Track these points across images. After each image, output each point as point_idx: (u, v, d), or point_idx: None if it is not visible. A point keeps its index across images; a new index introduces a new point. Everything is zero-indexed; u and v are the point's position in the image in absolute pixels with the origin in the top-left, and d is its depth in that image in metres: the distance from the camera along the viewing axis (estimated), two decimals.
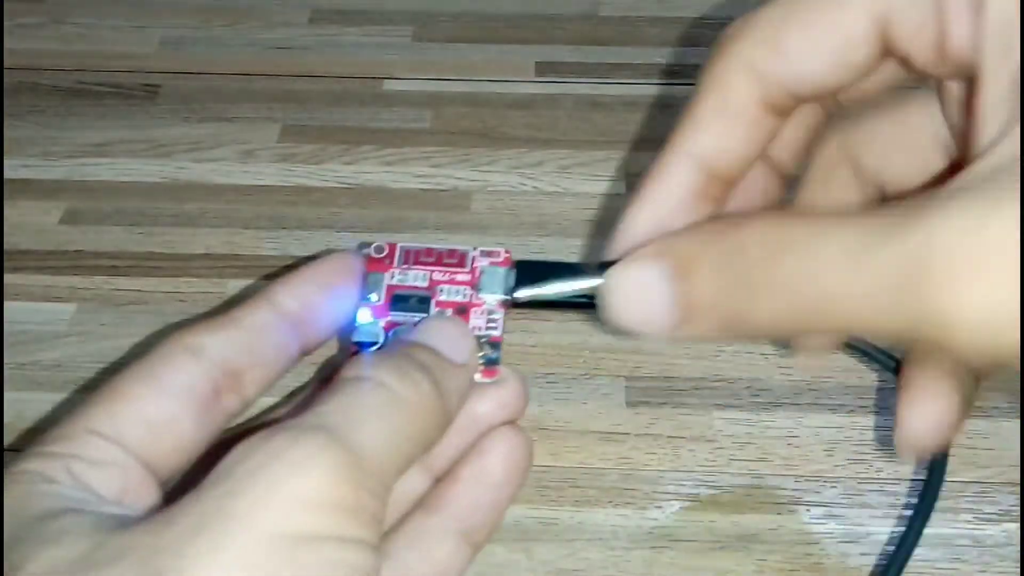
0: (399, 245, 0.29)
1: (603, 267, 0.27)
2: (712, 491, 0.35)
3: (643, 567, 0.34)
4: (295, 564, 0.17)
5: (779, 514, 0.35)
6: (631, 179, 0.47)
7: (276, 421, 0.20)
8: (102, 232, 0.44)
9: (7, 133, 0.49)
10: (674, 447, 0.37)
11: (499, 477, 0.25)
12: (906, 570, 0.33)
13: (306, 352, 0.24)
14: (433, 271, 0.29)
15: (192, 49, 0.54)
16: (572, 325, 0.41)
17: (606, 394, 0.38)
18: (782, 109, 0.23)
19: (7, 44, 0.54)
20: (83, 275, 0.43)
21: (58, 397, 0.38)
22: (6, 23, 0.55)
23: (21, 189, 0.46)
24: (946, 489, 0.35)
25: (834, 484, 0.35)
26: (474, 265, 0.29)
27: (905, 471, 0.36)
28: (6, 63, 0.53)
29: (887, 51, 0.21)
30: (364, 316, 0.25)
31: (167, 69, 0.53)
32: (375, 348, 0.25)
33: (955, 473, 0.36)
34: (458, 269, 0.29)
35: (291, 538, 0.17)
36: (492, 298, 0.29)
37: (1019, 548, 0.34)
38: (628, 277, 0.22)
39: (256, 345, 0.22)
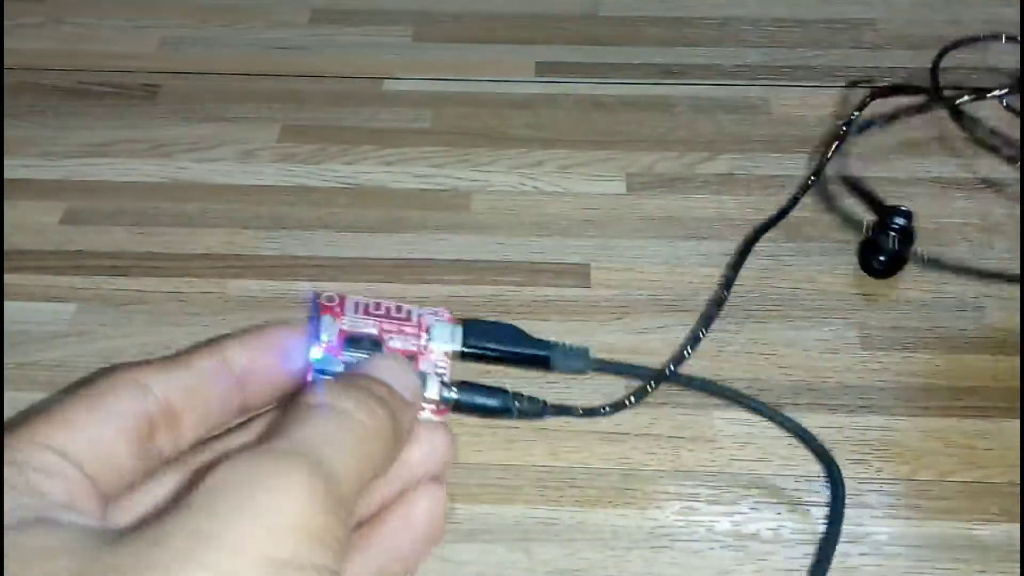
0: (348, 297, 0.30)
1: (544, 345, 0.31)
2: (712, 491, 0.35)
3: (643, 567, 0.34)
4: None
5: (779, 514, 0.35)
6: (631, 179, 0.47)
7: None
8: (102, 232, 0.44)
9: (7, 133, 0.49)
10: (674, 447, 0.37)
11: (422, 530, 0.25)
12: (907, 570, 0.33)
13: (245, 411, 0.24)
14: (382, 322, 0.30)
15: (192, 49, 0.54)
16: (572, 325, 0.41)
17: (606, 394, 0.38)
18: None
19: (7, 44, 0.54)
20: (83, 275, 0.42)
21: None
22: (6, 23, 0.55)
23: (21, 189, 0.46)
24: (946, 489, 0.35)
25: None
26: (421, 321, 0.30)
27: (905, 471, 0.36)
28: (6, 63, 0.53)
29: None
30: (316, 353, 0.26)
31: (167, 69, 0.53)
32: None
33: (955, 473, 0.36)
34: (406, 322, 0.30)
35: (275, 564, 0.18)
36: (441, 347, 0.30)
37: (1019, 548, 0.34)
38: None
39: (199, 390, 0.23)
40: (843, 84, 0.52)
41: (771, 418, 0.36)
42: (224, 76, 0.53)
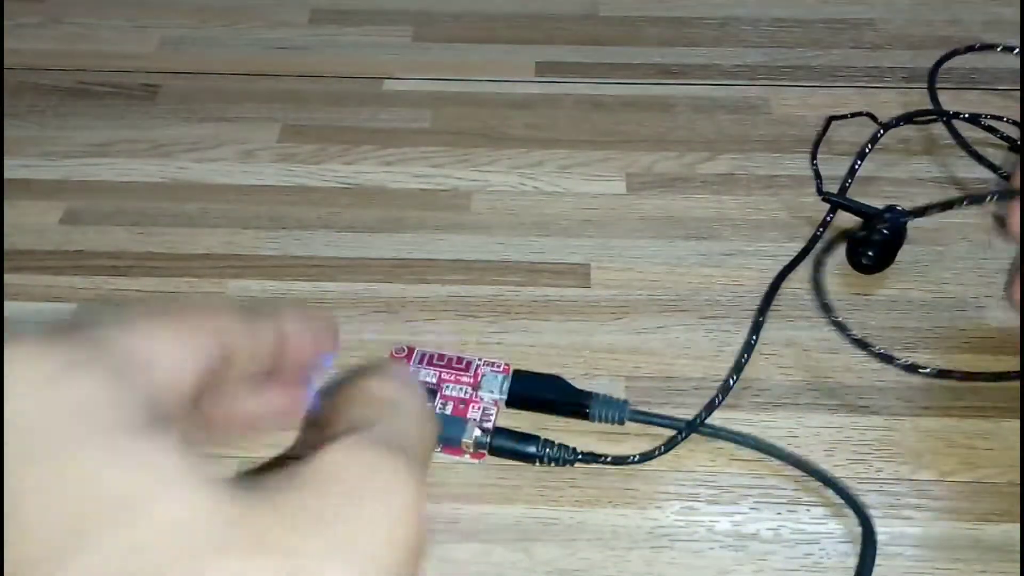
0: (417, 349, 0.38)
1: (585, 395, 0.36)
2: (712, 491, 0.35)
3: (643, 567, 0.33)
4: None
5: (779, 514, 0.35)
6: (631, 179, 0.47)
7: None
8: (102, 232, 0.44)
9: (7, 133, 0.49)
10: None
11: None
12: (907, 570, 0.33)
13: (262, 383, 0.24)
14: (441, 371, 0.37)
15: (192, 49, 0.54)
16: (572, 325, 0.41)
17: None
18: None
19: (7, 44, 0.54)
20: (83, 275, 0.42)
21: None
22: (6, 23, 0.55)
23: (21, 189, 0.46)
24: (946, 489, 0.35)
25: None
26: (477, 372, 0.36)
27: (905, 471, 0.36)
28: (6, 63, 0.53)
29: None
30: None
31: (167, 69, 0.53)
32: None
33: (955, 473, 0.36)
34: (463, 372, 0.36)
35: (382, 572, 0.18)
36: (489, 396, 0.36)
37: (1019, 548, 0.34)
38: None
39: (255, 354, 0.22)
40: (844, 85, 0.52)
41: (818, 477, 0.36)
42: (224, 76, 0.53)
